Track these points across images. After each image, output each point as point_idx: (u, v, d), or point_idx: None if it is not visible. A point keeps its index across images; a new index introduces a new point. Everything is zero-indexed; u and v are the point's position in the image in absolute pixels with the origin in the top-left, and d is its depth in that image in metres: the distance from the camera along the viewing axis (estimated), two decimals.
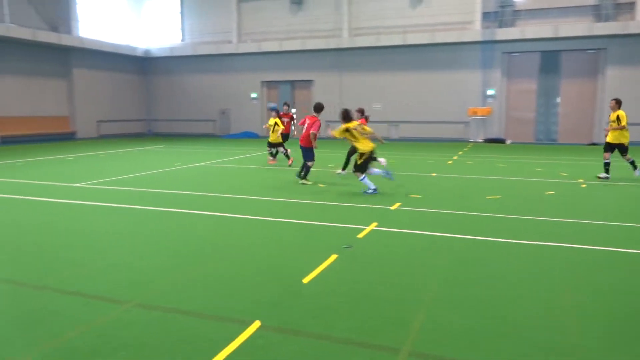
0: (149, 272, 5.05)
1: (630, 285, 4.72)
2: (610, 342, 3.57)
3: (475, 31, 23.38)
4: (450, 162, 15.57)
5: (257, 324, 3.80)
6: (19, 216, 7.70)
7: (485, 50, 23.70)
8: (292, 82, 28.18)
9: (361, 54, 25.98)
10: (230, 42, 28.21)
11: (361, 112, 12.56)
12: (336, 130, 9.59)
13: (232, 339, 3.54)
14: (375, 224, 7.05)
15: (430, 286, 4.65)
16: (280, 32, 27.30)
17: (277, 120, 14.40)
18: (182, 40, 29.94)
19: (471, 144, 23.24)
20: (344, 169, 12.17)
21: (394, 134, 25.56)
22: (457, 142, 23.83)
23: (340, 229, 6.87)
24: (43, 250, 5.85)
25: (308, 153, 10.93)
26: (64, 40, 24.30)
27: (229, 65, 28.87)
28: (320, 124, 11.08)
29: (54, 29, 24.89)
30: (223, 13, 28.46)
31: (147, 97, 31.34)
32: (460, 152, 18.76)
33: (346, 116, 9.60)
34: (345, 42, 25.53)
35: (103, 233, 6.66)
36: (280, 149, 14.52)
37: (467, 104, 24.34)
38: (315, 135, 10.78)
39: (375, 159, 10.75)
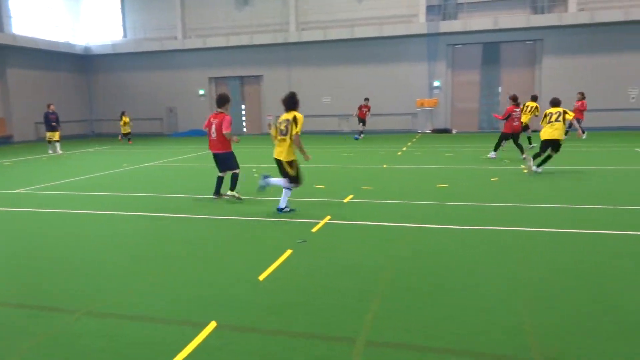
0: (95, 279, 4.89)
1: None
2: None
3: (420, 24, 23.85)
4: (400, 153, 15.88)
5: (213, 324, 3.77)
6: None
7: (430, 42, 24.25)
8: (242, 78, 27.85)
9: (309, 48, 26.00)
10: (175, 38, 27.50)
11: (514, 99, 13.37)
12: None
13: (188, 341, 3.50)
14: (328, 217, 7.11)
15: (385, 275, 4.75)
16: (227, 27, 26.87)
17: None
18: (124, 36, 28.90)
19: (419, 134, 23.77)
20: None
21: (346, 127, 25.79)
22: (406, 134, 24.32)
23: (294, 224, 6.88)
24: None
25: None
26: None
27: (175, 62, 28.15)
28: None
29: None
30: (166, 8, 27.65)
31: (88, 96, 30.08)
32: (409, 143, 19.16)
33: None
34: (293, 36, 25.47)
35: (45, 239, 6.37)
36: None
37: (414, 95, 24.84)
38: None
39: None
